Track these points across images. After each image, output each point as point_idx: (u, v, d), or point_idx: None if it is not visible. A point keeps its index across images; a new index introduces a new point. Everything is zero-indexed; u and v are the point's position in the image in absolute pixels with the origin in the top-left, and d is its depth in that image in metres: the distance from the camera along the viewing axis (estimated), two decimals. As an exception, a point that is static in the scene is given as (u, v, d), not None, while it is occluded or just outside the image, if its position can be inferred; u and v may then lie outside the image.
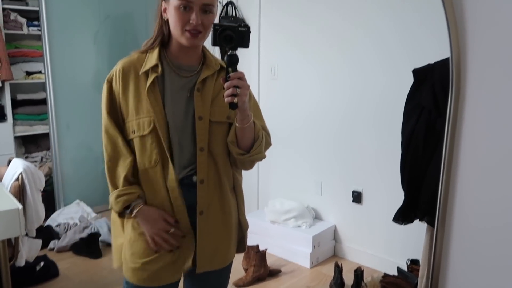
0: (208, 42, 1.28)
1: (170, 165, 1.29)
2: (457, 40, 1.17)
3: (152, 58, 1.29)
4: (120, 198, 1.31)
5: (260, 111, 1.45)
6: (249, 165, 1.39)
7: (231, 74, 1.17)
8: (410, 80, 2.66)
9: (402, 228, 2.82)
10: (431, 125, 1.53)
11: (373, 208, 3.03)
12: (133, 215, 1.31)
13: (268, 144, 1.39)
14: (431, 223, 1.61)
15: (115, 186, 1.34)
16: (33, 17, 3.82)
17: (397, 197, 2.82)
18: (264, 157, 1.37)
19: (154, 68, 1.29)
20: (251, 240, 3.32)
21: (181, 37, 1.24)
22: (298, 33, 3.25)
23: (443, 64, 1.52)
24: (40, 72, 3.90)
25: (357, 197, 3.10)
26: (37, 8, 3.58)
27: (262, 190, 3.66)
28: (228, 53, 1.18)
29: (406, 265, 2.69)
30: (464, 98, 1.18)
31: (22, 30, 3.75)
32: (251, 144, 1.31)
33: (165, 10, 1.28)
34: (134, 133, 1.29)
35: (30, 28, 3.80)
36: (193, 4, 1.22)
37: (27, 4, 3.80)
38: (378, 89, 2.89)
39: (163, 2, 1.29)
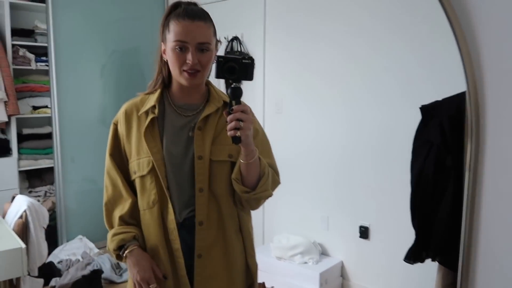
0: (212, 76, 1.28)
1: (170, 205, 1.26)
2: (473, 74, 1.16)
3: (152, 100, 1.30)
4: (115, 237, 1.29)
5: (270, 148, 1.43)
6: (255, 204, 1.33)
7: (234, 107, 1.14)
8: (417, 115, 2.68)
9: (412, 265, 2.77)
10: (440, 162, 1.51)
11: (381, 244, 2.97)
12: (124, 254, 1.28)
13: (276, 182, 1.35)
14: (443, 263, 1.56)
15: (111, 226, 1.34)
16: (41, 53, 3.89)
17: (406, 233, 2.78)
18: (270, 195, 1.32)
19: (152, 109, 1.29)
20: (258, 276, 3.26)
21: (180, 77, 1.24)
22: (303, 67, 3.28)
23: (451, 101, 1.53)
24: (46, 106, 3.93)
25: (364, 232, 3.04)
26: (45, 44, 3.65)
27: (268, 225, 3.61)
28: (232, 86, 1.16)
29: (417, 304, 2.61)
30: (485, 139, 1.16)
31: (30, 65, 3.82)
32: (256, 181, 1.26)
33: (164, 51, 1.29)
34: (135, 173, 1.29)
35: (38, 64, 3.87)
36: (188, 44, 1.21)
37: (35, 40, 3.88)
38: (384, 124, 2.88)
39: (162, 44, 1.29)
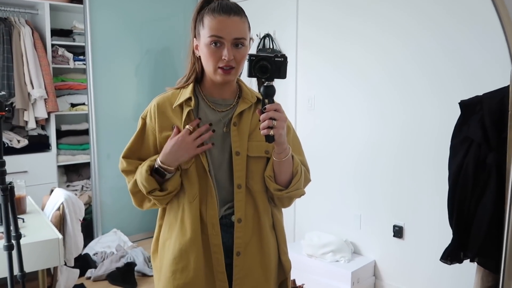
0: (244, 74, 1.26)
1: (213, 200, 1.24)
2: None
3: (186, 93, 1.28)
4: (141, 168, 1.27)
5: (301, 145, 1.41)
6: (287, 202, 1.32)
7: (267, 106, 1.13)
8: (454, 111, 2.60)
9: (448, 266, 2.68)
10: (481, 160, 1.44)
11: (416, 244, 2.89)
12: (156, 165, 1.25)
13: (307, 180, 1.34)
14: (483, 264, 1.50)
15: (140, 204, 1.36)
16: (79, 52, 4.01)
17: (442, 232, 2.71)
18: (303, 193, 1.31)
19: (187, 101, 1.27)
20: (287, 274, 3.24)
21: (214, 74, 1.22)
22: (336, 64, 3.23)
23: (492, 96, 1.46)
24: (83, 104, 4.05)
25: (398, 232, 2.97)
26: (83, 44, 3.75)
27: (299, 222, 3.58)
28: (264, 84, 1.15)
29: (453, 306, 2.53)
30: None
31: (68, 64, 3.94)
32: (289, 179, 1.26)
33: (196, 47, 1.27)
34: (179, 168, 1.26)
35: (76, 62, 3.99)
36: (224, 39, 1.19)
37: (74, 40, 4.00)
38: (419, 121, 2.80)
39: (194, 39, 1.27)
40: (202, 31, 1.22)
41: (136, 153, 1.31)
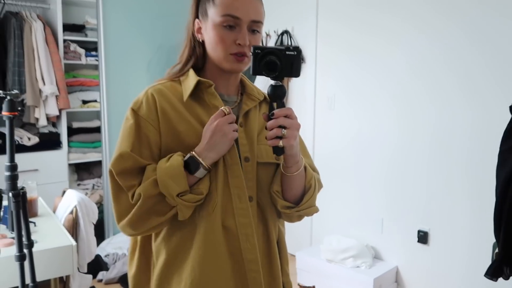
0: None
1: (243, 205, 1.02)
2: None
3: (191, 80, 1.05)
4: (167, 163, 0.97)
5: (305, 145, 1.18)
6: (296, 219, 1.11)
7: (276, 111, 0.93)
8: (488, 112, 2.47)
9: (475, 274, 2.56)
10: (534, 168, 1.31)
11: (442, 251, 2.76)
12: (192, 155, 0.97)
13: (320, 187, 1.14)
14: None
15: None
16: (91, 48, 3.91)
17: (471, 239, 2.58)
18: (316, 211, 1.11)
19: (201, 86, 1.05)
20: (306, 279, 3.14)
21: (224, 61, 1.02)
22: (357, 62, 3.10)
23: (549, 97, 1.33)
24: (95, 101, 3.96)
25: (423, 237, 2.84)
26: (95, 39, 3.65)
27: (316, 225, 3.46)
28: (272, 84, 0.95)
29: (484, 318, 2.39)
30: None
31: (80, 60, 3.85)
32: (300, 194, 1.06)
33: (199, 29, 1.06)
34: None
35: (88, 58, 3.89)
36: (240, 21, 0.99)
37: (86, 36, 3.91)
38: (444, 124, 2.67)
39: (196, 20, 1.07)
40: (212, 9, 1.01)
41: (136, 153, 1.00)
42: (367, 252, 3.02)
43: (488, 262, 2.45)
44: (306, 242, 3.50)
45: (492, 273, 1.46)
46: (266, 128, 0.94)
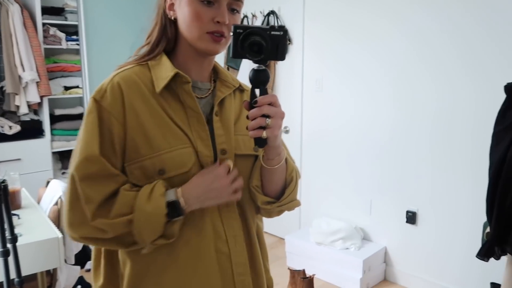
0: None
1: (230, 207, 0.96)
2: None
3: (164, 67, 0.94)
4: (150, 202, 0.85)
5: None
6: (276, 215, 1.05)
7: (259, 98, 0.84)
8: (463, 93, 2.46)
9: (462, 253, 2.60)
10: (526, 149, 1.30)
11: (429, 230, 2.79)
12: (178, 200, 0.86)
13: (298, 177, 1.05)
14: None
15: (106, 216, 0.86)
16: (72, 32, 3.79)
17: (458, 218, 2.61)
18: (298, 205, 1.04)
19: (179, 79, 0.94)
20: (295, 262, 3.15)
21: (199, 40, 0.92)
22: (347, 42, 3.06)
23: (542, 78, 1.31)
24: (77, 86, 3.86)
25: (411, 218, 2.86)
26: (76, 23, 3.54)
27: (305, 208, 3.46)
28: (255, 68, 0.85)
29: (471, 296, 2.44)
30: None
31: (61, 44, 3.72)
32: (281, 188, 1.00)
33: (171, 6, 0.96)
34: (164, 173, 0.89)
35: (69, 43, 3.76)
36: None
37: (66, 19, 3.77)
38: (436, 100, 2.66)
39: None
40: None
41: (105, 156, 0.88)
42: (356, 234, 3.04)
43: (475, 240, 2.49)
44: (295, 225, 3.51)
45: (484, 253, 1.47)
46: (247, 118, 0.85)
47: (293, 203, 1.02)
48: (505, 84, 1.38)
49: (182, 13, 0.92)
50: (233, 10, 0.93)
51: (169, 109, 0.92)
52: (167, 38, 0.97)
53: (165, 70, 0.93)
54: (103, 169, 0.86)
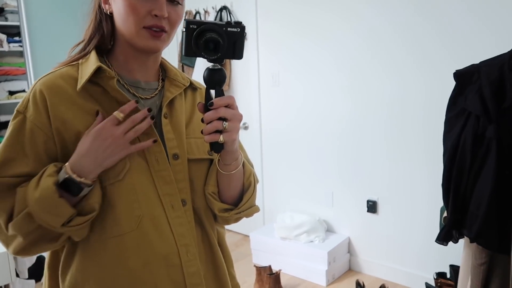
0: (168, 53, 0.88)
1: (178, 212, 0.88)
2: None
3: (90, 64, 0.85)
4: (39, 189, 0.77)
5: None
6: (234, 222, 0.98)
7: (215, 100, 0.79)
8: (413, 83, 2.53)
9: (423, 238, 2.67)
10: (479, 133, 1.34)
11: (390, 218, 2.85)
12: (69, 175, 0.78)
13: (257, 182, 1.00)
14: (483, 244, 1.42)
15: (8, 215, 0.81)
16: (13, 33, 3.58)
17: (416, 205, 2.68)
18: (257, 210, 0.98)
19: (100, 73, 0.85)
20: (261, 259, 3.14)
21: (136, 37, 0.84)
22: (300, 34, 3.06)
23: (490, 64, 1.35)
24: (23, 91, 3.66)
25: (372, 207, 2.91)
26: (17, 23, 3.35)
27: (268, 204, 3.46)
28: (210, 67, 0.80)
29: (433, 279, 2.51)
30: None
31: (2, 47, 3.51)
32: (239, 193, 0.94)
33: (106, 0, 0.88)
34: (106, 180, 0.83)
35: (11, 44, 3.56)
36: None
37: (6, 19, 3.56)
38: (388, 92, 2.71)
39: None
40: None
41: (12, 167, 0.81)
42: (320, 226, 3.06)
43: (433, 225, 2.57)
44: (259, 222, 3.49)
45: (443, 237, 1.50)
46: (202, 121, 0.80)
47: (252, 209, 0.96)
48: (453, 71, 1.41)
49: (117, 7, 0.85)
50: (173, 1, 0.86)
51: (103, 110, 0.84)
52: (101, 35, 0.89)
53: (89, 65, 0.85)
54: (2, 184, 0.80)
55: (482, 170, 1.36)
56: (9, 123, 0.84)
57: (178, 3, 0.87)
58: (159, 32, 0.84)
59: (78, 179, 0.78)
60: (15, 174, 0.81)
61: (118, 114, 0.81)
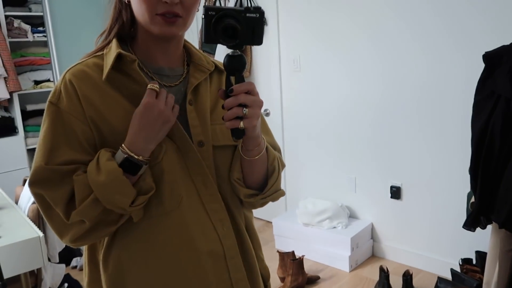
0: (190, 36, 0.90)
1: (214, 196, 0.91)
2: None
3: (112, 54, 0.87)
4: (103, 174, 0.80)
5: (265, 121, 1.03)
6: (259, 206, 1.00)
7: (235, 87, 0.79)
8: (452, 64, 2.45)
9: (448, 224, 2.64)
10: (509, 116, 1.30)
11: (414, 204, 2.82)
12: (128, 155, 0.81)
13: (283, 167, 1.01)
14: (508, 227, 1.39)
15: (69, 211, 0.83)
16: (37, 23, 3.64)
17: (441, 191, 2.64)
18: (283, 194, 0.99)
19: (122, 60, 0.86)
20: (284, 245, 3.16)
21: (151, 24, 0.84)
22: (322, 19, 3.01)
23: (522, 45, 1.31)
24: (48, 80, 3.73)
25: (395, 193, 2.88)
26: (41, 13, 3.40)
27: (290, 190, 3.46)
28: (230, 54, 0.80)
29: (458, 265, 2.48)
30: None
31: (27, 37, 3.58)
32: (263, 179, 0.95)
33: None
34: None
35: (35, 35, 3.62)
36: None
37: (30, 10, 3.62)
38: (413, 77, 2.66)
39: None
40: None
41: (58, 156, 0.82)
42: (343, 212, 3.06)
43: (460, 211, 2.53)
44: (281, 208, 3.50)
45: (470, 223, 1.48)
46: (223, 107, 0.80)
47: (277, 194, 0.97)
48: (483, 54, 1.37)
49: None
50: None
51: (128, 93, 0.86)
52: (122, 24, 0.90)
53: (112, 54, 0.86)
54: (54, 173, 0.82)
55: (511, 155, 1.32)
56: (44, 115, 0.86)
57: None
58: (173, 18, 0.83)
59: (136, 157, 0.81)
60: (63, 161, 0.82)
61: (153, 86, 0.83)
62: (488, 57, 1.34)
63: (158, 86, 0.83)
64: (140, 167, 0.82)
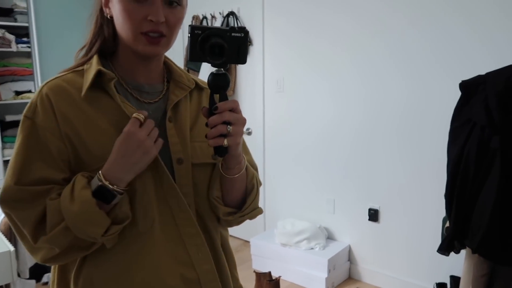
0: (173, 54, 0.87)
1: (187, 220, 0.89)
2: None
3: (91, 72, 0.85)
4: (78, 202, 0.77)
5: (244, 140, 1.00)
6: (236, 224, 0.98)
7: (220, 104, 0.79)
8: (431, 91, 2.53)
9: (424, 248, 2.66)
10: (484, 144, 1.34)
11: (391, 227, 2.84)
12: (102, 183, 0.78)
13: (260, 185, 1.01)
14: (485, 255, 1.42)
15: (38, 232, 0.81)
16: (22, 34, 3.62)
17: (418, 215, 2.68)
18: (260, 212, 0.98)
19: (101, 77, 0.85)
20: (261, 265, 3.14)
21: (134, 42, 0.83)
22: (306, 42, 3.07)
23: (497, 75, 1.36)
24: (29, 91, 3.69)
25: (373, 215, 2.91)
26: (26, 24, 3.38)
27: (269, 210, 3.46)
28: (214, 72, 0.81)
29: (433, 289, 2.50)
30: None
31: (10, 47, 3.55)
32: (242, 197, 0.94)
33: (107, 2, 0.86)
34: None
35: (19, 45, 3.60)
36: None
37: (15, 20, 3.60)
38: (393, 101, 2.72)
39: None
40: None
41: (29, 173, 0.81)
42: (321, 234, 3.06)
43: (434, 235, 2.56)
44: (260, 227, 3.49)
45: (445, 248, 1.50)
46: (207, 125, 0.80)
47: (255, 212, 0.96)
48: (459, 82, 1.42)
49: (115, 12, 0.83)
50: (172, 3, 0.83)
51: (105, 112, 0.84)
52: (103, 39, 0.89)
53: (92, 70, 0.85)
54: (24, 193, 0.80)
55: (486, 181, 1.36)
56: (18, 130, 0.84)
57: (178, 4, 0.84)
58: (157, 38, 0.83)
59: (111, 186, 0.79)
60: (34, 180, 0.80)
61: (138, 115, 0.81)
62: (465, 86, 1.39)
63: (144, 116, 0.82)
64: (114, 196, 0.80)
